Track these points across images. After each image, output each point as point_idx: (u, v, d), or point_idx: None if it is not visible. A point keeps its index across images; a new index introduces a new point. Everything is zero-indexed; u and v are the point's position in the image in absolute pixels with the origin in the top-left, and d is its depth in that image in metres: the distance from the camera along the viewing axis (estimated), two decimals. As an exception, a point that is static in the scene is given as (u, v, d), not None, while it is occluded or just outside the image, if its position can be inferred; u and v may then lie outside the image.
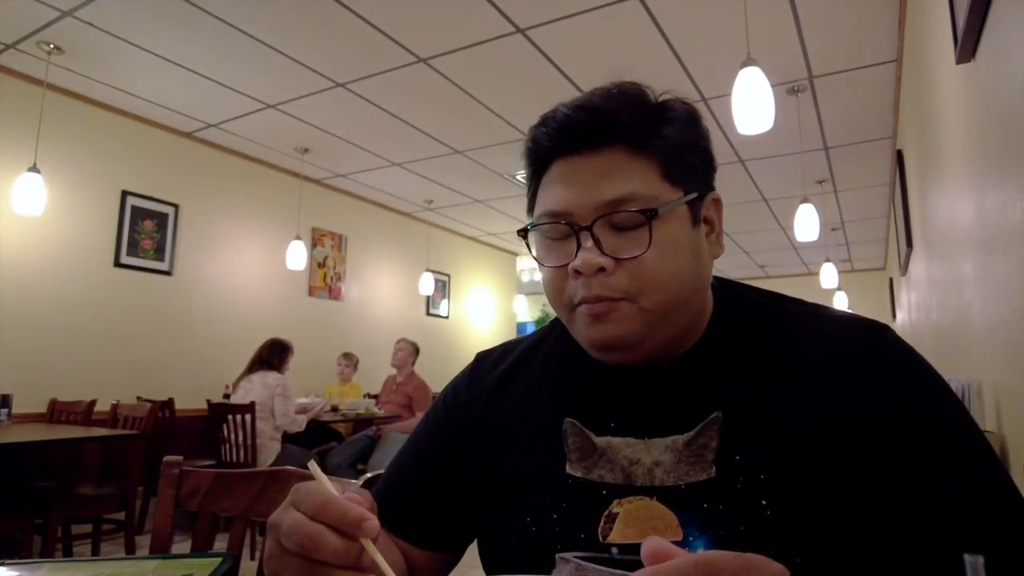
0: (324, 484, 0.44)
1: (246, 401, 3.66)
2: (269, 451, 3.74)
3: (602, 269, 0.55)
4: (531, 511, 0.60)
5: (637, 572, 0.33)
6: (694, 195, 0.59)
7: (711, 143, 0.63)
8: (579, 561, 0.55)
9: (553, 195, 0.59)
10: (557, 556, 0.57)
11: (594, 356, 0.61)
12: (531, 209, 0.63)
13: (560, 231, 0.58)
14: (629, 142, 0.57)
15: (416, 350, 4.91)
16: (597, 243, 0.56)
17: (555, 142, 0.59)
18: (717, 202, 0.63)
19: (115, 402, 3.42)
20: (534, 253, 0.62)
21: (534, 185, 0.63)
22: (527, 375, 0.70)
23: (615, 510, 0.57)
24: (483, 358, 0.75)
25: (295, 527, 0.42)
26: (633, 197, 0.55)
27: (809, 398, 0.56)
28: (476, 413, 0.69)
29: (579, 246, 0.56)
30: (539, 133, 0.60)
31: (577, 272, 0.56)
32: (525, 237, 0.62)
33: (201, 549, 0.95)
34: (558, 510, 0.59)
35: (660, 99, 0.61)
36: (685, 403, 0.59)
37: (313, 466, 0.47)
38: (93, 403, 3.45)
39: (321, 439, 4.47)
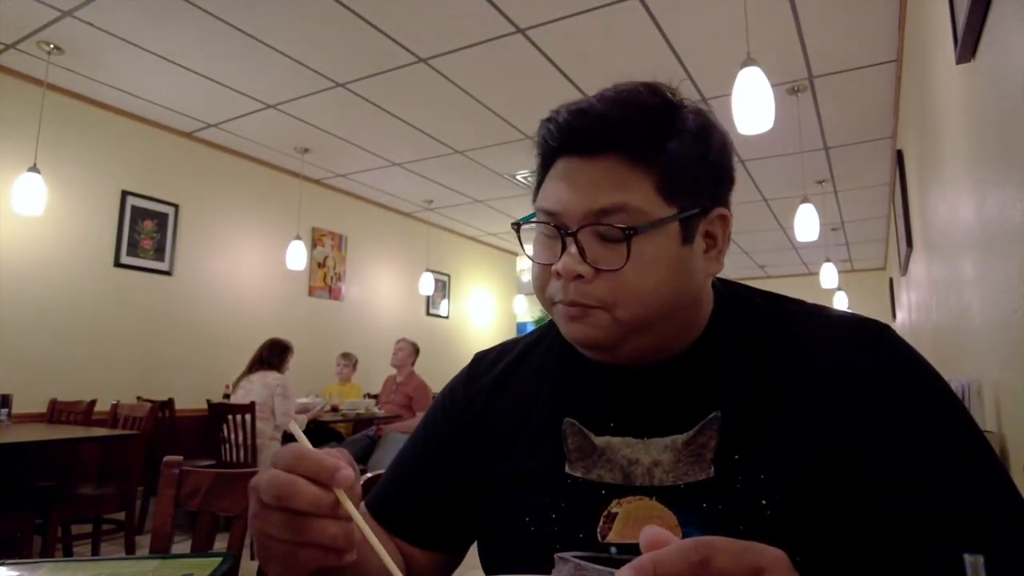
0: (302, 442, 0.47)
1: (246, 401, 3.66)
2: (269, 451, 3.74)
3: (580, 276, 0.56)
4: (530, 511, 0.60)
5: (637, 559, 0.33)
6: (694, 211, 0.57)
7: (729, 156, 0.61)
8: (578, 561, 0.55)
9: (550, 193, 0.59)
10: (556, 556, 0.57)
11: (587, 357, 0.62)
12: (536, 198, 0.64)
13: (551, 230, 0.59)
14: (628, 152, 0.56)
15: (416, 350, 4.91)
16: (580, 250, 0.56)
17: (558, 141, 0.60)
18: (724, 218, 0.60)
19: (115, 402, 3.42)
20: (528, 244, 0.63)
21: (541, 175, 0.63)
22: (525, 374, 0.70)
23: (614, 510, 0.57)
24: (480, 358, 0.75)
25: (272, 480, 0.44)
26: (622, 208, 0.55)
27: (809, 398, 0.56)
28: (474, 413, 0.69)
29: (564, 249, 0.57)
30: (546, 131, 0.61)
31: (558, 273, 0.57)
32: (518, 231, 0.63)
33: (201, 549, 0.95)
34: (557, 510, 0.59)
35: (678, 103, 0.59)
36: (684, 403, 0.59)
37: (293, 425, 0.49)
38: (93, 403, 3.46)
39: (321, 439, 4.47)
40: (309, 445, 0.46)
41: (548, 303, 0.61)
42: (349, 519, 0.45)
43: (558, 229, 0.57)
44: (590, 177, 0.57)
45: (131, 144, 4.28)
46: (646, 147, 0.56)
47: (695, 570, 0.32)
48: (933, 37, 2.05)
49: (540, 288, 0.61)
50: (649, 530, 0.35)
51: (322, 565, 0.46)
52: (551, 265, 0.58)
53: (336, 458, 0.45)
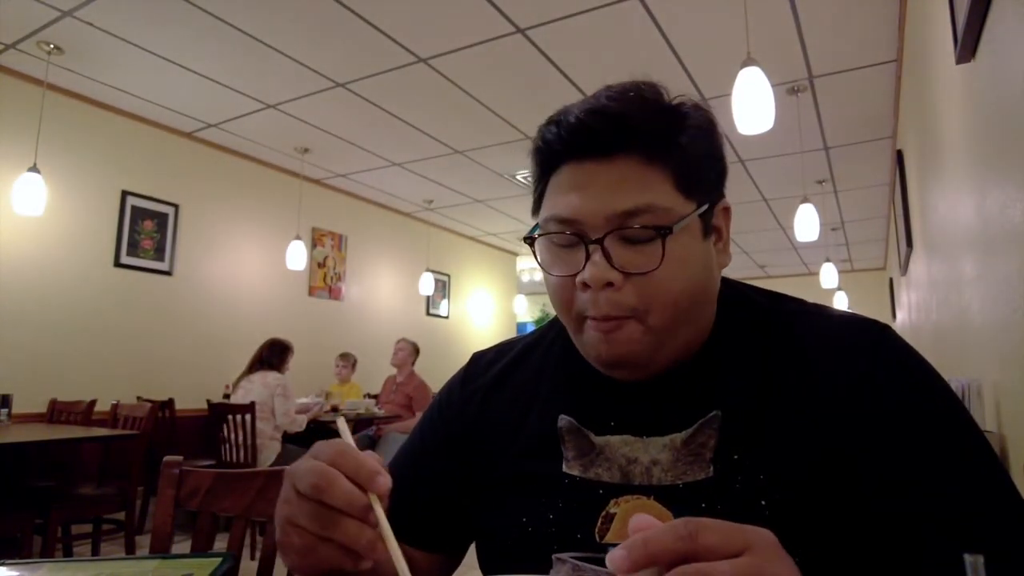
0: (347, 439, 0.47)
1: (246, 401, 3.66)
2: (269, 451, 3.74)
3: (611, 284, 0.54)
4: (527, 511, 0.60)
5: (628, 540, 0.34)
6: (706, 206, 0.57)
7: (724, 150, 0.61)
8: (575, 561, 0.55)
9: (562, 201, 0.56)
10: (554, 556, 0.56)
11: (600, 370, 0.60)
12: (536, 209, 0.61)
13: (569, 239, 0.56)
14: (643, 150, 0.55)
15: (416, 350, 4.92)
16: (607, 256, 0.54)
17: (566, 145, 0.56)
18: (727, 211, 0.61)
19: (115, 402, 3.42)
20: (539, 257, 0.60)
21: (542, 185, 0.60)
22: (524, 374, 0.69)
23: (612, 510, 0.57)
24: (478, 358, 0.75)
25: (311, 469, 0.45)
26: (648, 209, 0.53)
27: (809, 398, 0.56)
28: (471, 414, 0.69)
29: (588, 257, 0.54)
30: (549, 134, 0.58)
31: (585, 284, 0.55)
32: (532, 245, 0.60)
33: (201, 549, 0.95)
34: (554, 510, 0.58)
35: (675, 101, 0.58)
36: (684, 402, 0.59)
37: (341, 422, 0.50)
38: (93, 403, 3.46)
39: (321, 439, 4.46)
40: (353, 443, 0.47)
41: (576, 320, 0.58)
42: (375, 525, 0.45)
43: (579, 237, 0.55)
44: (606, 179, 0.55)
45: (131, 144, 4.28)
46: (662, 144, 0.55)
47: (683, 544, 0.33)
48: (933, 37, 2.05)
49: (565, 303, 0.58)
50: (638, 517, 0.36)
51: (339, 566, 0.46)
52: (573, 276, 0.56)
53: (377, 462, 0.45)
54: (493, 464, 0.65)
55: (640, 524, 0.35)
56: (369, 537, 0.44)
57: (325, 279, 5.74)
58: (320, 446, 0.47)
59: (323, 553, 0.45)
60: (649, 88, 0.58)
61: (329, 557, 0.45)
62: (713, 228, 0.59)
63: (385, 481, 0.45)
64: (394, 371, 4.96)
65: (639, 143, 0.55)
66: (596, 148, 0.55)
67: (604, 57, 3.41)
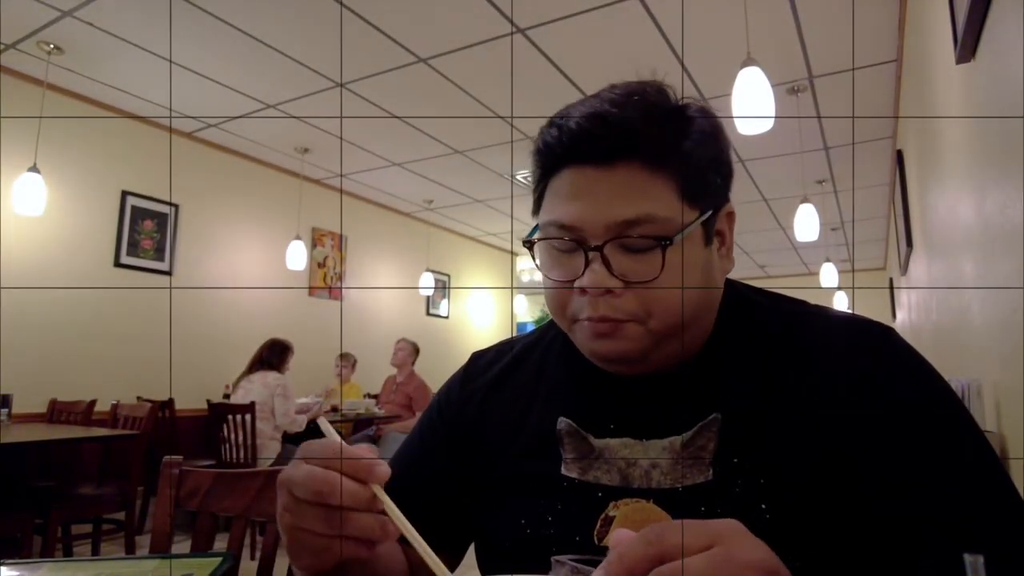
0: (333, 437, 0.47)
1: (246, 401, 3.66)
2: (269, 451, 3.75)
3: (610, 291, 0.54)
4: (525, 513, 0.59)
5: (606, 558, 0.36)
6: (709, 212, 0.56)
7: (730, 151, 0.60)
8: (574, 564, 0.55)
9: (562, 206, 0.55)
10: (552, 559, 0.56)
11: (597, 364, 0.60)
12: (536, 209, 0.60)
13: (568, 244, 0.55)
14: (646, 158, 0.53)
15: (416, 350, 4.92)
16: (607, 264, 0.53)
17: (566, 150, 0.55)
18: (731, 216, 0.60)
19: (115, 402, 3.42)
20: (538, 260, 0.60)
21: (542, 186, 0.60)
22: (524, 375, 0.69)
23: (611, 513, 0.56)
24: (478, 358, 0.75)
25: (310, 476, 0.45)
26: (649, 219, 0.53)
27: (810, 399, 0.55)
28: (471, 413, 0.69)
29: (587, 263, 0.54)
30: (550, 136, 0.56)
31: (583, 290, 0.54)
32: (531, 248, 0.60)
33: (201, 549, 0.95)
34: (553, 512, 0.58)
35: (683, 103, 0.57)
36: (684, 404, 0.58)
37: (323, 421, 0.50)
38: (93, 403, 3.46)
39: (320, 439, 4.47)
40: (339, 438, 0.47)
41: (569, 321, 0.58)
42: (382, 511, 0.46)
43: (578, 243, 0.54)
44: (607, 187, 0.54)
45: (131, 144, 4.28)
46: (665, 152, 0.54)
47: (653, 549, 0.35)
48: (933, 37, 2.05)
49: (560, 306, 0.58)
50: (618, 533, 0.37)
51: (356, 555, 0.47)
52: (571, 281, 0.56)
53: (368, 453, 0.46)
54: (492, 464, 0.64)
55: (619, 538, 0.36)
56: (381, 524, 0.46)
57: (325, 279, 5.73)
58: (310, 448, 0.47)
59: (337, 548, 0.46)
60: (654, 90, 0.57)
61: (346, 550, 0.46)
62: (716, 233, 0.59)
63: (384, 470, 0.46)
64: (394, 371, 4.96)
65: (641, 150, 0.54)
66: (597, 154, 0.54)
67: (604, 57, 3.41)
